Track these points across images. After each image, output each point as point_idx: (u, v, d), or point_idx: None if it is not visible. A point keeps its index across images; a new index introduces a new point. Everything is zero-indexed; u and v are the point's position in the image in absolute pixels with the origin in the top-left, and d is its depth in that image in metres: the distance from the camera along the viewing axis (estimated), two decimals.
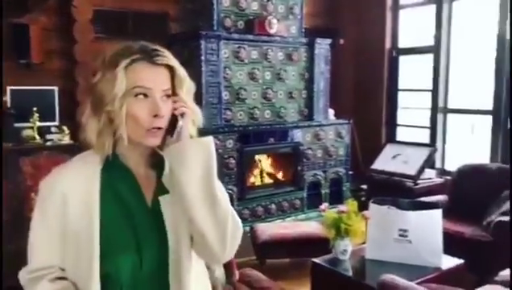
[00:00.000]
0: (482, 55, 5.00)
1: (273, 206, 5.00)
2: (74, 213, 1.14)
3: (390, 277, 2.11)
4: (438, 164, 5.26)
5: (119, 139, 1.15)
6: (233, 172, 4.63)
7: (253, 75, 4.79)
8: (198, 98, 4.54)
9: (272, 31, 4.81)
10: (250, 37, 4.70)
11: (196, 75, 4.42)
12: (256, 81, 4.82)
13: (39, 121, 3.77)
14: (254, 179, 4.99)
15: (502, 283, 2.68)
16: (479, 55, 5.10)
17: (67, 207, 1.14)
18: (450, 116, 5.35)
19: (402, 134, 5.86)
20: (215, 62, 4.45)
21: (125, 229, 1.17)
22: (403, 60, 5.83)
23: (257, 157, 4.97)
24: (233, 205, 4.76)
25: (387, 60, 5.82)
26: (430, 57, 5.37)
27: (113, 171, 1.19)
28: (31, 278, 1.17)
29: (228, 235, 1.17)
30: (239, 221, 1.22)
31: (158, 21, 4.84)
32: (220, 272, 2.51)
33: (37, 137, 3.75)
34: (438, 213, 2.98)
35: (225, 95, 4.60)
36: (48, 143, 3.75)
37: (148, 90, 1.13)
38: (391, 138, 5.79)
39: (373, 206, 3.11)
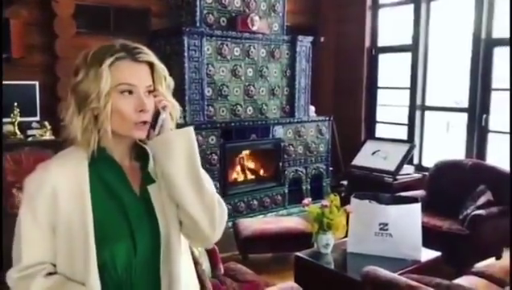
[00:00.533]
0: (458, 53, 5.15)
1: (255, 202, 5.04)
2: (65, 207, 1.16)
3: (373, 269, 2.18)
4: (416, 160, 5.40)
5: (104, 134, 1.19)
6: (216, 168, 4.66)
7: (235, 72, 4.82)
8: (181, 94, 4.58)
9: (254, 28, 4.84)
10: (233, 34, 4.72)
11: (178, 71, 4.43)
12: (238, 78, 4.85)
13: (20, 116, 3.72)
14: (236, 175, 5.03)
15: (478, 274, 2.79)
16: (455, 54, 5.24)
17: (57, 201, 1.16)
18: (427, 113, 5.49)
19: (381, 130, 5.98)
20: (198, 58, 4.46)
21: (118, 218, 1.21)
22: (382, 58, 5.94)
23: (239, 153, 5.01)
24: None
25: (367, 58, 5.92)
26: (408, 56, 5.50)
27: (101, 164, 1.22)
28: (23, 276, 1.17)
29: (216, 217, 1.24)
30: (223, 203, 1.29)
31: (140, 17, 4.81)
32: (207, 265, 2.54)
33: (18, 132, 3.70)
34: (417, 208, 3.08)
35: (208, 91, 4.62)
36: (30, 139, 3.71)
37: (133, 87, 1.18)
38: (371, 135, 5.90)
39: (354, 201, 3.19)
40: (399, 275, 2.65)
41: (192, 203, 1.20)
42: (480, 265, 3.09)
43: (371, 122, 6.03)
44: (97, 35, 4.55)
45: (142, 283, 1.21)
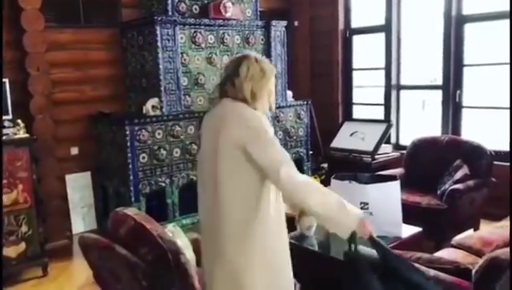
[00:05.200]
0: (431, 32, 5.21)
1: None
2: None
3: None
4: (393, 139, 5.47)
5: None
6: (196, 158, 4.63)
7: (210, 59, 4.78)
8: (156, 85, 4.52)
9: (227, 15, 4.80)
10: (206, 21, 4.67)
11: (152, 61, 4.38)
12: (214, 66, 4.82)
13: None
14: None
15: (457, 246, 2.87)
16: (428, 33, 5.30)
17: None
18: (403, 92, 5.56)
19: (358, 112, 6.04)
20: (171, 48, 4.40)
21: None
22: (356, 39, 5.96)
23: None
24: (195, 190, 4.74)
25: (341, 41, 5.94)
26: (382, 36, 5.54)
27: None
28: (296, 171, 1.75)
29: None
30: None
31: (110, 8, 4.72)
32: (191, 255, 2.54)
33: None
34: (396, 185, 3.12)
35: (184, 81, 4.57)
36: (4, 138, 3.62)
37: None
38: (348, 117, 5.95)
39: (334, 182, 3.22)
40: None
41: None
42: (458, 237, 3.17)
43: (348, 103, 6.08)
44: (67, 28, 4.47)
45: None
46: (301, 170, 5.49)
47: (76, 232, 4.55)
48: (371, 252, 2.07)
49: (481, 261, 1.81)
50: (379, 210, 3.11)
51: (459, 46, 4.87)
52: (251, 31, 5.11)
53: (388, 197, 3.11)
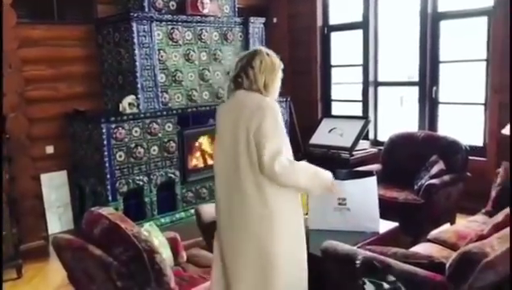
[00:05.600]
0: (407, 28, 5.26)
1: None
2: None
3: (331, 243, 2.22)
4: (371, 135, 5.52)
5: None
6: (175, 156, 4.60)
7: (188, 56, 4.74)
8: (133, 82, 4.46)
9: (205, 11, 4.76)
10: (183, 18, 4.63)
11: (129, 58, 4.32)
12: (192, 63, 4.78)
13: None
14: (197, 161, 4.98)
15: (432, 240, 2.91)
16: (405, 29, 5.36)
17: None
18: (380, 89, 5.60)
19: (337, 108, 6.07)
20: (148, 44, 4.35)
21: None
22: (335, 36, 5.99)
23: (198, 139, 4.96)
24: (175, 189, 4.70)
25: (319, 37, 5.95)
26: (359, 33, 5.57)
27: None
28: (290, 161, 1.97)
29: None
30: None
31: (84, 3, 4.63)
32: (168, 254, 2.52)
33: None
34: (373, 181, 3.14)
35: (161, 78, 4.53)
36: None
37: None
38: (327, 113, 5.97)
39: None
40: (358, 247, 2.72)
41: None
42: (434, 232, 3.22)
43: (327, 100, 6.10)
44: (40, 25, 4.37)
45: None
46: None
47: (53, 232, 4.47)
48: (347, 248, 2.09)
49: (454, 255, 1.83)
50: (357, 206, 3.13)
51: (435, 43, 4.93)
52: (229, 28, 5.09)
53: (365, 193, 3.13)
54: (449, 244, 2.79)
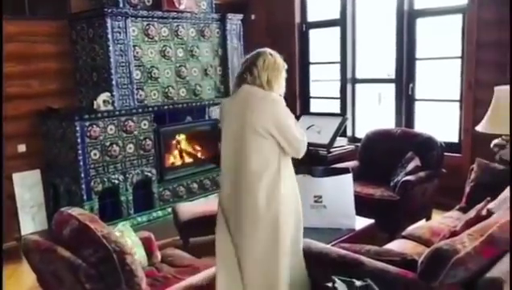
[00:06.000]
0: (385, 26, 5.29)
1: (195, 185, 4.99)
2: None
3: (305, 241, 2.21)
4: (349, 132, 5.53)
5: None
6: (151, 154, 4.54)
7: (164, 53, 4.67)
8: (107, 79, 4.38)
9: (181, 7, 4.70)
10: (159, 14, 4.56)
11: (103, 55, 4.24)
12: (168, 59, 4.71)
13: None
14: (174, 159, 4.93)
15: (407, 237, 2.93)
16: (382, 27, 5.38)
17: None
18: (359, 86, 5.62)
19: (315, 105, 6.07)
20: (123, 41, 4.27)
21: None
22: (313, 33, 5.98)
23: (175, 137, 4.91)
24: (152, 187, 4.64)
25: (298, 34, 5.94)
26: (337, 30, 5.57)
27: None
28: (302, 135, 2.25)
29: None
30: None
31: None
32: (141, 254, 2.48)
33: None
34: (348, 178, 3.16)
35: (137, 75, 4.45)
36: None
37: None
38: (306, 110, 5.97)
39: None
40: (334, 244, 2.72)
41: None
42: (410, 228, 3.24)
43: (306, 97, 6.10)
44: (11, 20, 4.24)
45: None
46: None
47: (26, 233, 4.35)
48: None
49: (426, 252, 1.84)
50: (333, 203, 3.15)
51: (411, 40, 4.96)
52: (206, 24, 5.04)
53: (341, 190, 3.14)
54: (423, 240, 2.81)
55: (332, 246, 2.36)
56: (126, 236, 2.52)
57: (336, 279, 1.68)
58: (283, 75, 2.30)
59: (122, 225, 2.65)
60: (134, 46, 4.40)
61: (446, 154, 4.18)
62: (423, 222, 3.89)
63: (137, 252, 2.53)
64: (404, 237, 2.96)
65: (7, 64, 4.24)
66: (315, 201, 3.15)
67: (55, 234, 2.18)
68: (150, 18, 4.51)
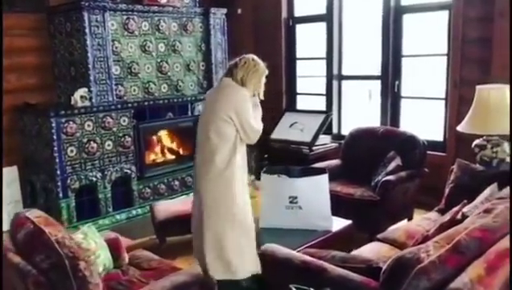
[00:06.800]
0: (371, 22, 5.19)
1: (176, 182, 4.92)
2: None
3: (271, 246, 2.14)
4: (335, 130, 5.46)
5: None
6: (130, 151, 4.46)
7: (145, 47, 4.58)
8: (85, 74, 4.28)
9: (163, 1, 4.61)
10: (139, 7, 4.46)
11: (81, 49, 4.15)
12: (149, 54, 4.62)
13: None
14: (155, 156, 4.85)
15: (382, 240, 2.86)
16: (369, 23, 5.29)
17: None
18: (348, 83, 5.53)
19: (302, 102, 5.98)
20: (101, 35, 4.17)
21: None
22: (300, 28, 5.89)
23: (155, 133, 4.82)
24: (131, 184, 4.56)
25: (284, 29, 5.84)
26: (324, 25, 5.47)
27: None
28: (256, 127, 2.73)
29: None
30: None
31: None
32: (107, 256, 2.40)
33: None
34: (324, 178, 3.08)
35: (116, 70, 4.36)
36: None
37: None
38: (292, 107, 5.88)
39: (264, 176, 3.16)
40: (308, 247, 2.66)
41: None
42: (388, 230, 3.17)
43: (292, 93, 6.01)
44: None
45: None
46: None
47: (3, 230, 4.27)
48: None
49: (389, 261, 1.77)
50: (308, 204, 3.08)
51: (397, 36, 4.87)
52: (189, 18, 4.94)
53: (317, 191, 3.08)
54: (398, 243, 2.74)
55: (301, 250, 2.29)
56: (90, 238, 2.44)
57: (293, 288, 1.61)
58: (261, 79, 2.77)
59: (87, 227, 2.57)
60: (112, 40, 4.30)
61: (431, 153, 4.12)
62: (403, 223, 3.83)
63: (101, 255, 2.45)
64: (378, 239, 2.89)
65: None
66: (291, 202, 3.08)
67: (13, 237, 2.10)
68: (130, 12, 4.41)
